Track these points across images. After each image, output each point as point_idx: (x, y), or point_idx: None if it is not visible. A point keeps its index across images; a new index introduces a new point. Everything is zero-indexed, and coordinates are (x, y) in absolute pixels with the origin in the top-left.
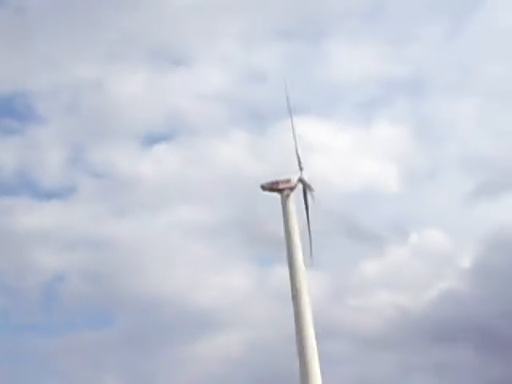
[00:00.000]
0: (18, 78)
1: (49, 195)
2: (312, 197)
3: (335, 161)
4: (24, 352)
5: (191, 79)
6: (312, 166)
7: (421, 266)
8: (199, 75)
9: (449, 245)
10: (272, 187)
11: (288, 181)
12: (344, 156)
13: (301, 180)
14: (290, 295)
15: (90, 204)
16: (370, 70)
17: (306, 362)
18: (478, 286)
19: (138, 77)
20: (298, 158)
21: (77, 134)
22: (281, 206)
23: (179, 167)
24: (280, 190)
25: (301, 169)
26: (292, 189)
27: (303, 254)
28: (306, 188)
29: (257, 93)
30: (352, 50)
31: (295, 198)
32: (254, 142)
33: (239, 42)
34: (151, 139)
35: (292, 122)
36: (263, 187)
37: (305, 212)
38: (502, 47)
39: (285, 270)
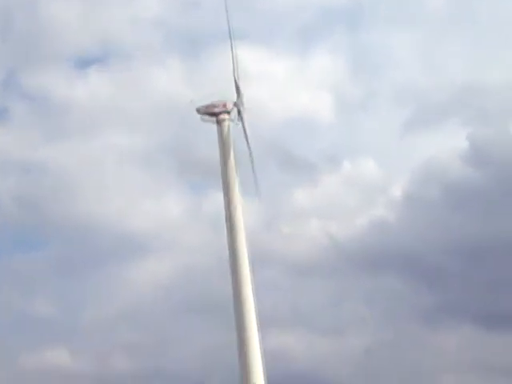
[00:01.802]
0: None
1: None
2: (245, 122)
3: (271, 88)
4: None
5: (126, 3)
6: (248, 92)
7: (352, 195)
8: None
9: (380, 174)
10: (208, 111)
11: (224, 104)
12: (280, 84)
13: (236, 104)
14: (224, 222)
15: (23, 128)
16: None
17: (240, 289)
18: (408, 215)
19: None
20: (236, 81)
21: (9, 58)
22: (216, 131)
23: (113, 92)
24: (216, 114)
25: (238, 93)
26: (228, 112)
27: (239, 181)
28: (242, 112)
29: (192, 18)
30: None
31: (232, 124)
32: (188, 68)
33: None
34: (85, 63)
35: (232, 45)
36: (199, 110)
37: (244, 137)
38: None
39: (219, 197)
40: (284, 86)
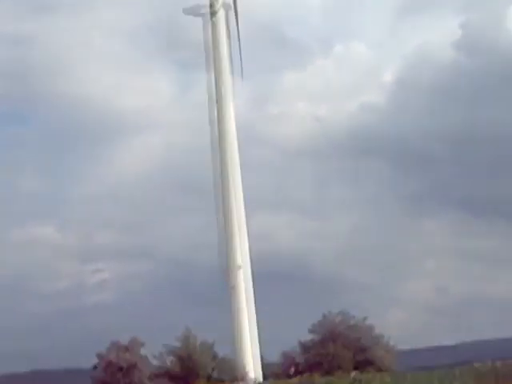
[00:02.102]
0: None
1: None
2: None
3: None
4: None
5: None
6: None
7: (343, 79)
8: None
9: (372, 59)
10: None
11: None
12: None
13: None
14: (211, 101)
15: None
16: None
17: (227, 170)
18: (398, 100)
19: None
20: None
21: None
22: (209, 10)
23: None
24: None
25: None
26: (215, 13)
27: (230, 61)
28: None
29: None
30: None
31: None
32: None
33: None
34: None
35: None
36: (185, 11)
37: (234, 18)
38: None
39: (208, 77)
40: None
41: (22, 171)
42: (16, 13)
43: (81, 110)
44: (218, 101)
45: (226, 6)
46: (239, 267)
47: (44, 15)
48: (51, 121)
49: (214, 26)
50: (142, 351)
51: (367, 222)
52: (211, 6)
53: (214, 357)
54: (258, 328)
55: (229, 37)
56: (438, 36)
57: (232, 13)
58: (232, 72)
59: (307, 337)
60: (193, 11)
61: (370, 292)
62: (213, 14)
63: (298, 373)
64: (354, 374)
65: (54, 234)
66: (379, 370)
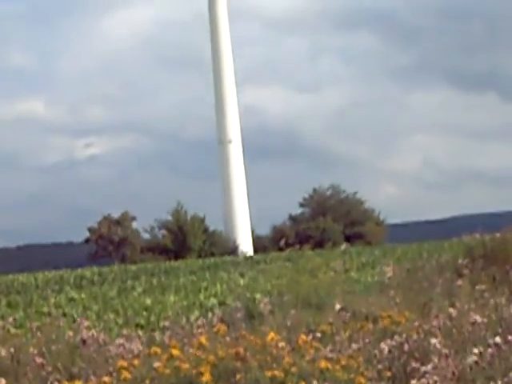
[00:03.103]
0: None
1: None
2: None
3: None
4: None
5: None
6: None
7: None
8: None
9: None
10: None
11: None
12: None
13: None
14: None
15: None
16: None
17: (218, 43)
18: None
19: None
20: None
21: None
22: None
23: None
24: None
25: None
26: None
27: None
28: None
29: None
30: None
31: None
32: None
33: None
34: None
35: None
36: None
37: None
38: None
39: None
40: None
41: (8, 45)
42: None
43: None
44: None
45: None
46: (230, 141)
47: None
48: None
49: None
50: (134, 225)
51: (356, 95)
52: None
53: (205, 230)
54: (248, 202)
55: None
56: None
57: None
58: None
59: (298, 210)
60: None
61: (361, 167)
62: None
63: (288, 246)
64: (344, 246)
65: (43, 110)
66: (369, 243)
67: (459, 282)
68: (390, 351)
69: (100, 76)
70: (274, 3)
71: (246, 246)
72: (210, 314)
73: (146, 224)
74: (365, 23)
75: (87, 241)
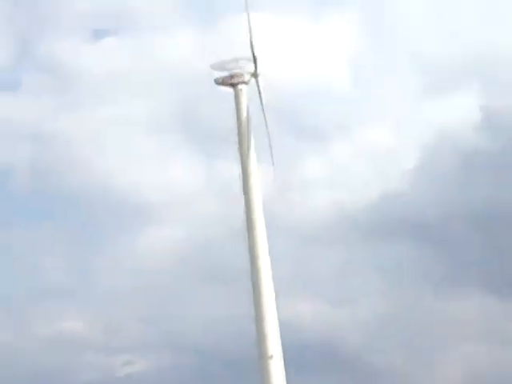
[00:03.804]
0: None
1: None
2: (261, 91)
3: (284, 58)
4: None
5: None
6: (261, 60)
7: (364, 165)
8: None
9: (393, 144)
10: (225, 81)
11: (241, 75)
12: (292, 53)
13: (254, 74)
14: (238, 190)
15: (35, 98)
16: None
17: (256, 258)
18: (421, 185)
19: None
20: (252, 50)
21: (23, 28)
22: (230, 99)
23: (125, 62)
24: (233, 85)
25: (254, 62)
26: (245, 83)
27: (255, 151)
28: (259, 81)
29: None
30: None
31: (248, 92)
32: (201, 37)
33: None
34: (96, 33)
35: (248, 14)
36: (216, 81)
37: (260, 107)
38: None
39: (230, 166)
40: (297, 54)
41: (45, 267)
42: (39, 110)
43: (106, 203)
44: (244, 191)
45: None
46: (271, 357)
47: (66, 111)
48: (76, 215)
49: (239, 112)
50: None
51: (392, 307)
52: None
53: None
54: None
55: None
56: (459, 118)
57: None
58: (257, 159)
59: None
60: (219, 66)
61: (400, 379)
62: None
63: None
64: None
65: (81, 328)
66: None
67: None
68: None
69: (136, 293)
70: (307, 217)
71: None
72: None
73: None
74: (397, 233)
75: None
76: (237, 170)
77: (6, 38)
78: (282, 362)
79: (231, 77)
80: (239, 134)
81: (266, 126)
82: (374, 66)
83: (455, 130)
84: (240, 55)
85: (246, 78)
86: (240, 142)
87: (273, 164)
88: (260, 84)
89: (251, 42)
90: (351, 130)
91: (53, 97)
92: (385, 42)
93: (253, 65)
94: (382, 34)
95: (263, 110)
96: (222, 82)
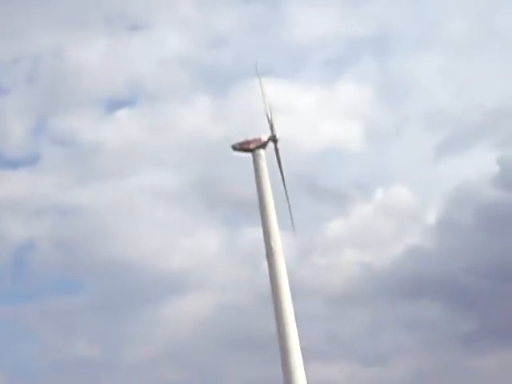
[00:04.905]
0: None
1: (14, 164)
2: (280, 156)
3: (299, 121)
4: None
5: (150, 44)
6: (277, 125)
7: (386, 223)
8: (157, 40)
9: (414, 201)
10: (243, 147)
11: (258, 140)
12: (308, 116)
13: (272, 139)
14: (259, 256)
15: (56, 172)
16: (331, 30)
17: (283, 322)
18: (443, 241)
19: (96, 43)
20: (268, 116)
21: (39, 103)
22: (252, 165)
23: (142, 132)
24: (251, 150)
25: (271, 127)
26: (263, 147)
27: (276, 214)
28: (276, 146)
29: (217, 56)
30: (312, 11)
31: (266, 158)
32: (216, 105)
33: (197, 6)
34: (113, 105)
35: (260, 81)
36: (234, 147)
37: (279, 171)
38: (464, 3)
39: (252, 231)
40: (313, 117)
41: (76, 337)
42: (61, 184)
43: (130, 273)
44: (268, 256)
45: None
46: None
47: (88, 184)
48: (101, 286)
49: (260, 178)
50: None
51: (423, 365)
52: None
53: None
54: None
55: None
56: (476, 172)
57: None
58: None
59: None
60: (241, 146)
61: None
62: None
63: None
64: None
65: None
66: None
67: None
68: None
69: (164, 362)
70: (332, 278)
71: None
72: None
73: None
74: (426, 292)
75: None
76: (259, 234)
77: (22, 114)
78: None
79: (248, 142)
80: (260, 198)
81: (286, 190)
82: (389, 124)
83: (473, 184)
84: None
85: (263, 141)
86: (261, 207)
87: (293, 227)
88: (278, 147)
89: (266, 108)
90: (371, 189)
91: (71, 170)
92: (399, 101)
93: (270, 129)
94: (396, 93)
95: (282, 173)
96: (239, 147)
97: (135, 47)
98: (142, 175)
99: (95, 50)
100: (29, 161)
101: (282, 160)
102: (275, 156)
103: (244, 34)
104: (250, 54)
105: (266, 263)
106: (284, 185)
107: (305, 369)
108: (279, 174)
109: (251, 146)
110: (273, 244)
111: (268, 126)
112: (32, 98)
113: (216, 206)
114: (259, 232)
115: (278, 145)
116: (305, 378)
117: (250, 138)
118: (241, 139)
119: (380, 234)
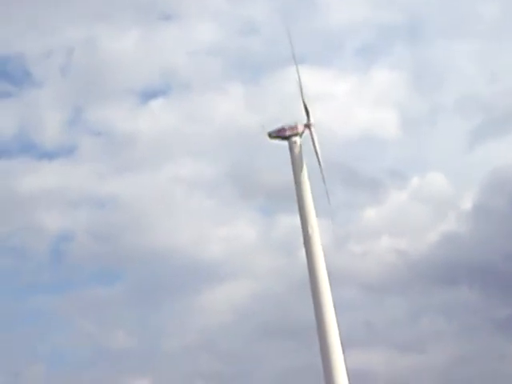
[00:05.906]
0: (9, 42)
1: (50, 156)
2: (316, 143)
3: (334, 109)
4: (34, 310)
5: (182, 34)
6: (312, 113)
7: (422, 210)
8: (190, 30)
9: (449, 188)
10: (279, 134)
11: (295, 127)
12: (343, 104)
13: (307, 126)
14: (295, 245)
15: (92, 162)
16: (364, 17)
17: (322, 310)
18: (479, 227)
19: (129, 34)
20: (304, 103)
21: (73, 95)
22: (288, 153)
23: (177, 122)
24: (287, 137)
25: (307, 115)
26: (299, 135)
27: (313, 202)
28: (313, 133)
29: (249, 44)
30: None
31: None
32: (249, 94)
33: None
34: (147, 95)
35: (297, 68)
36: (270, 135)
37: (316, 158)
38: None
39: (288, 220)
40: (347, 104)
41: (115, 328)
42: (97, 175)
43: (167, 262)
44: (305, 242)
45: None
46: None
47: (124, 175)
48: (139, 276)
49: (296, 166)
50: None
51: (461, 351)
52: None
53: None
54: None
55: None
56: (511, 159)
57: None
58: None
59: None
60: (278, 133)
61: None
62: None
63: None
64: None
65: None
66: None
67: None
68: None
69: (201, 350)
70: (368, 266)
71: None
72: None
73: None
74: (462, 278)
75: None
76: (296, 222)
77: (57, 106)
78: None
79: (284, 129)
80: (297, 186)
81: (323, 177)
82: (424, 111)
83: (509, 168)
84: (295, 122)
85: (300, 128)
86: (298, 194)
87: (331, 214)
88: (314, 135)
89: (302, 94)
90: (406, 177)
91: (106, 160)
92: (433, 88)
93: (306, 117)
94: (430, 79)
95: (319, 161)
96: (276, 135)
97: (167, 37)
98: (177, 165)
99: (128, 40)
100: (65, 152)
101: (318, 146)
102: (311, 143)
103: (275, 21)
104: (282, 41)
105: (301, 252)
106: (321, 171)
107: (344, 356)
108: (315, 161)
109: (287, 134)
110: (310, 231)
111: (303, 113)
112: (66, 90)
113: (252, 194)
114: (295, 220)
115: (314, 132)
116: (344, 365)
117: (285, 125)
118: (276, 127)
119: (416, 222)
